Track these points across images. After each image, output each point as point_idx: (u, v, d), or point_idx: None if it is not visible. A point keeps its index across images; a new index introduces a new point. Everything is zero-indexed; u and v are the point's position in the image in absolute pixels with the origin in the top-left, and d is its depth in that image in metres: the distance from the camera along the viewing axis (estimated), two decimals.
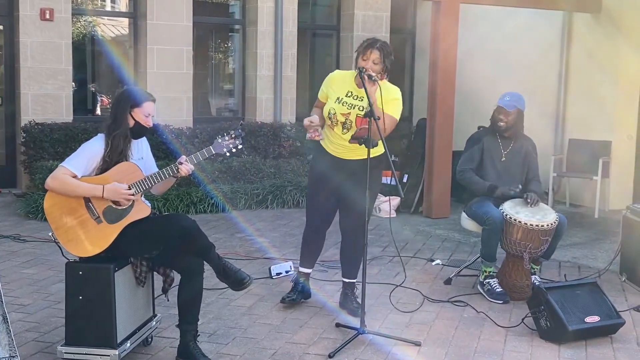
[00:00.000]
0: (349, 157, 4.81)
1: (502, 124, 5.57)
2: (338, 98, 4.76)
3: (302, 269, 5.24)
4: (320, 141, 4.93)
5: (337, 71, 5.07)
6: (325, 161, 4.92)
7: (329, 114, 4.78)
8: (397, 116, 4.74)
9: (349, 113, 4.71)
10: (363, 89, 4.54)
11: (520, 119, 5.63)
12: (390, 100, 4.69)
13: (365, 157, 4.48)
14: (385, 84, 4.75)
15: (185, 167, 4.06)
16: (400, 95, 4.79)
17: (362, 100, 4.67)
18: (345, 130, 4.74)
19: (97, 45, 10.52)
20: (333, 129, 4.80)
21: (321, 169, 4.94)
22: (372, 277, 5.85)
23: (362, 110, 4.64)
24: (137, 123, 4.10)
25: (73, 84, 9.64)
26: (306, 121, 4.73)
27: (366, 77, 4.54)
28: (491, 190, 5.49)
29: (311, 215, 5.11)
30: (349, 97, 4.74)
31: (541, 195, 5.65)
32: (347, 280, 5.12)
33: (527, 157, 5.69)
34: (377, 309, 5.10)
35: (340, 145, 4.82)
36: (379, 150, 4.75)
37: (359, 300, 4.83)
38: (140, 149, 4.19)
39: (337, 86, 4.82)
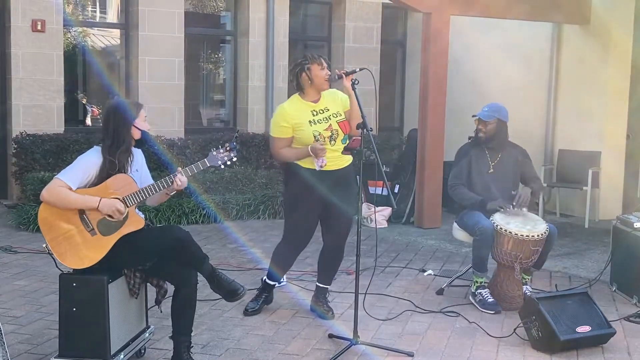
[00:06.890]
0: (335, 167, 4.97)
1: (481, 134, 5.68)
2: (310, 122, 4.91)
3: (270, 282, 5.31)
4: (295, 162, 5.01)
5: (282, 106, 5.11)
6: (305, 178, 4.94)
7: (315, 137, 4.88)
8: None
9: (330, 125, 4.91)
10: (326, 101, 4.94)
11: (502, 128, 5.68)
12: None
13: (345, 165, 4.97)
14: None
15: (180, 178, 4.06)
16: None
17: (328, 110, 4.93)
18: (333, 142, 4.92)
19: (88, 56, 10.52)
20: None
21: (302, 186, 4.95)
22: (364, 287, 5.85)
23: (337, 116, 4.90)
24: (142, 132, 4.14)
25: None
26: (318, 145, 4.81)
27: (344, 77, 4.82)
28: (482, 206, 5.54)
29: (295, 233, 5.14)
30: (316, 115, 4.93)
31: (538, 192, 5.71)
32: (322, 285, 5.29)
33: (518, 165, 5.73)
34: (370, 319, 5.11)
35: (328, 158, 4.90)
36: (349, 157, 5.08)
37: (330, 305, 5.21)
38: (136, 161, 4.20)
39: (298, 115, 4.93)
